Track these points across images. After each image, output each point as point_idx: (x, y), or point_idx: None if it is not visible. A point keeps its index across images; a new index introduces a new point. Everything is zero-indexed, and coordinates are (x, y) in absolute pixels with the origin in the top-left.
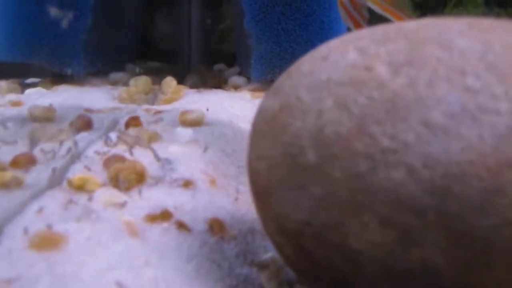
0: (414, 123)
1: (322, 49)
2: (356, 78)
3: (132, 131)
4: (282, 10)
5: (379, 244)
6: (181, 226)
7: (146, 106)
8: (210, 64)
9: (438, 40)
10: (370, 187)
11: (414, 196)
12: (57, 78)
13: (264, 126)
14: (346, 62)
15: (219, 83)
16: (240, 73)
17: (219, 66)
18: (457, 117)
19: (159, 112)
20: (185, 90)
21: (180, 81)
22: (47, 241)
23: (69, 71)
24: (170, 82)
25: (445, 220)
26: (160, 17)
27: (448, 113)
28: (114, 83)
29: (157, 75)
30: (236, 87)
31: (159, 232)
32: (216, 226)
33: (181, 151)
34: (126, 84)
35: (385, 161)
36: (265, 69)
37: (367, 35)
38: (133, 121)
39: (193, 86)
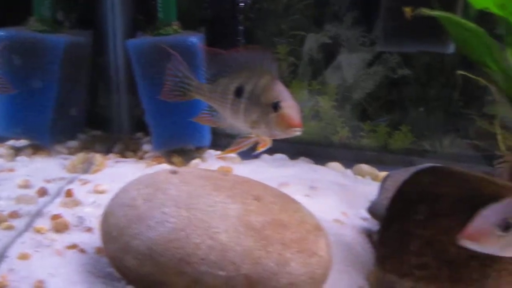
0: (144, 223)
1: (129, 186)
2: (130, 203)
3: (67, 199)
4: (169, 107)
5: None
6: (82, 251)
7: (80, 176)
8: (135, 131)
9: (163, 190)
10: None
11: None
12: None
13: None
14: (130, 195)
15: (136, 149)
16: (150, 141)
17: (138, 134)
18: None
19: (86, 182)
20: (107, 162)
21: (111, 147)
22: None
23: (39, 143)
24: (98, 157)
25: None
26: (100, 92)
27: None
28: (70, 149)
29: (96, 144)
30: (146, 153)
31: (72, 252)
32: (101, 251)
33: (90, 211)
34: (77, 150)
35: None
36: (159, 145)
37: (144, 183)
38: (69, 193)
39: (119, 152)
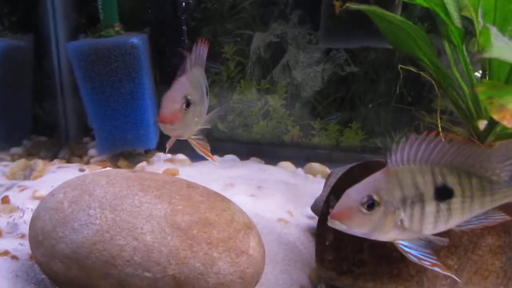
0: (69, 226)
1: (56, 189)
2: (56, 206)
3: (2, 206)
4: (112, 110)
5: None
6: (14, 257)
7: (20, 183)
8: (82, 136)
9: (90, 192)
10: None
11: None
12: None
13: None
14: (56, 198)
15: (82, 154)
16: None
17: (86, 139)
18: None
19: (25, 188)
20: (49, 167)
21: (56, 153)
22: None
23: None
24: (39, 163)
25: None
26: (45, 97)
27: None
28: (13, 155)
29: (41, 150)
30: (92, 157)
31: (3, 259)
32: (32, 257)
33: (26, 218)
34: (21, 156)
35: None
36: (104, 149)
37: (72, 185)
38: (5, 199)
39: (64, 157)
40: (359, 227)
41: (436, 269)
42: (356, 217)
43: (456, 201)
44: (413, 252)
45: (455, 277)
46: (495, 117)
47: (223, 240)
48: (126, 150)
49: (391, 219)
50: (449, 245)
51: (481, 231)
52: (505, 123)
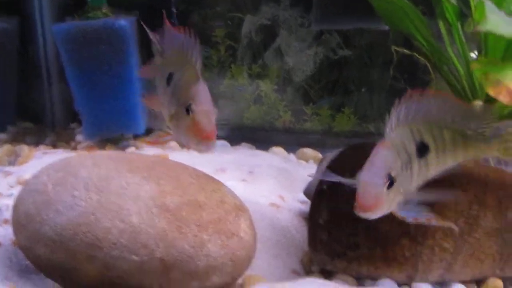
0: (53, 208)
1: (40, 171)
2: (40, 188)
3: None
4: (100, 93)
5: None
6: None
7: (5, 169)
8: (69, 121)
9: (75, 173)
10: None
11: None
12: None
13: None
14: (40, 180)
15: (69, 140)
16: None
17: (73, 125)
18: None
19: (10, 174)
20: (34, 153)
21: (42, 139)
22: None
23: None
24: (24, 149)
25: None
26: (31, 82)
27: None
28: None
29: (26, 136)
30: (79, 143)
31: None
32: (16, 243)
33: (10, 204)
34: (6, 142)
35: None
36: (91, 134)
37: (56, 167)
38: None
39: (50, 143)
40: (384, 209)
41: (433, 222)
42: (383, 201)
43: (432, 156)
44: (409, 214)
45: (453, 226)
46: (491, 92)
47: (213, 222)
48: (112, 135)
49: (397, 189)
50: (445, 228)
51: (477, 213)
52: (500, 98)
